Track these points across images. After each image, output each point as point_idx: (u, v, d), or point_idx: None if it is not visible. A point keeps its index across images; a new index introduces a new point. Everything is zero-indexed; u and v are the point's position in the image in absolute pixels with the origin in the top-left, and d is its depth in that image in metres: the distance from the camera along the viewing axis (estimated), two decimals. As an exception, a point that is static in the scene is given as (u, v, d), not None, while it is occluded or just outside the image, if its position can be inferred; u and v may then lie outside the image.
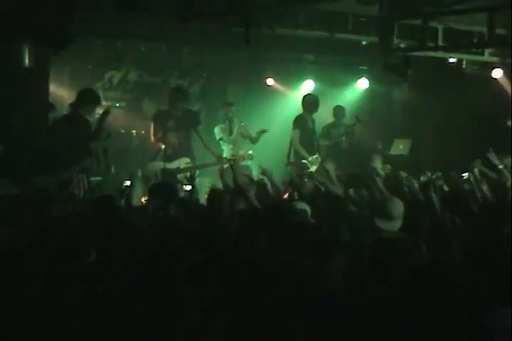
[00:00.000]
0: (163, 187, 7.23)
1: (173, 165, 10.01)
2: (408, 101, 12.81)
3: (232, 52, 11.55)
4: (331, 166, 8.07)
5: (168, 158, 9.99)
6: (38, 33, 8.43)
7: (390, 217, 5.82)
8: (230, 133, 10.99)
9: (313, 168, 10.64)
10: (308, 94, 11.67)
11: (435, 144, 11.41)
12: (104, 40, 11.06)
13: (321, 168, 8.64)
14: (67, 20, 8.56)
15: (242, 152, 10.48)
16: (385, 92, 12.99)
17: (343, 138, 11.74)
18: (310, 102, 11.19)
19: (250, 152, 10.32)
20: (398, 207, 5.93)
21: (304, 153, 10.90)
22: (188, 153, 10.19)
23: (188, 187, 7.47)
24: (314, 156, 10.95)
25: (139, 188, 8.82)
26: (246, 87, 13.18)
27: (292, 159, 10.91)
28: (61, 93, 11.07)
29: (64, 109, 9.81)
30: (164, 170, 9.85)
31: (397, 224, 5.82)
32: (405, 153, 11.26)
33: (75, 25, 8.53)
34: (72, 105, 9.16)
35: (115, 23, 9.59)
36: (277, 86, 13.03)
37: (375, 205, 6.31)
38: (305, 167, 10.67)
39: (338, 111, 12.14)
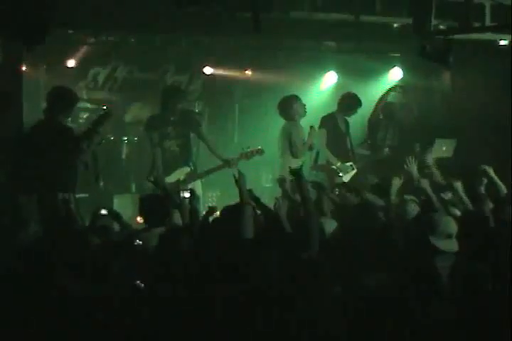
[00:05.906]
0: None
1: (171, 178, 9.36)
2: (451, 94, 12.06)
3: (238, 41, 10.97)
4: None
5: (166, 170, 9.33)
6: (9, 25, 7.58)
7: (449, 236, 5.70)
8: None
9: (345, 177, 10.16)
10: (349, 92, 10.97)
11: (483, 145, 10.70)
12: (87, 32, 10.31)
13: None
14: (44, 10, 7.74)
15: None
16: (423, 84, 12.25)
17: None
18: (349, 103, 10.71)
19: (260, 147, 9.64)
20: (454, 224, 5.83)
21: (331, 157, 10.37)
22: (187, 161, 9.54)
23: (187, 194, 7.04)
24: (348, 163, 10.40)
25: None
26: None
27: (319, 163, 10.32)
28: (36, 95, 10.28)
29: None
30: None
31: (455, 244, 5.71)
32: (449, 155, 10.52)
33: (51, 15, 7.75)
34: (45, 110, 8.18)
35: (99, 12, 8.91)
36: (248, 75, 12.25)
37: (429, 222, 5.97)
38: (335, 173, 10.16)
39: None
